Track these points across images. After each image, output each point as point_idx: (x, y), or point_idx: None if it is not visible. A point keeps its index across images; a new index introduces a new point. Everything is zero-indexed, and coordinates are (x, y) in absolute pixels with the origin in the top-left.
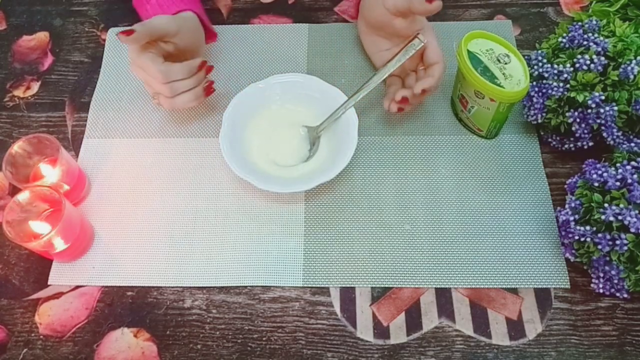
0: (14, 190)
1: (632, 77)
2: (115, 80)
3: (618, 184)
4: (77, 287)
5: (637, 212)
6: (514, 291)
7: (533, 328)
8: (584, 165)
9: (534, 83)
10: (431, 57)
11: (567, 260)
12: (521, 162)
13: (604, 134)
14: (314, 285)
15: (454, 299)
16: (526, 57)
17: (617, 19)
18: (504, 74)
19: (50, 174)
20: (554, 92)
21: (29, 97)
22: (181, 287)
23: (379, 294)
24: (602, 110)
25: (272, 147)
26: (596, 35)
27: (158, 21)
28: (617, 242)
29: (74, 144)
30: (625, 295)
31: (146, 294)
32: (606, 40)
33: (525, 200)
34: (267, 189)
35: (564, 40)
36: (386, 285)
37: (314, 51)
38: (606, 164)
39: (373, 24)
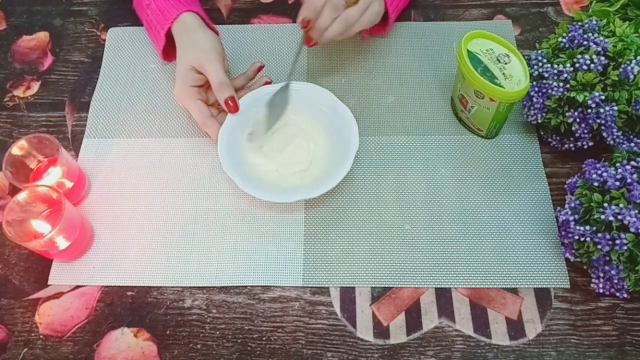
0: (14, 190)
1: (632, 77)
2: (115, 80)
3: (618, 183)
4: (77, 287)
5: (636, 211)
6: (514, 291)
7: (533, 328)
8: (583, 165)
9: (534, 83)
10: None
11: (567, 260)
12: (521, 162)
13: (604, 134)
14: (314, 285)
15: (454, 299)
16: (526, 57)
17: (617, 19)
18: (504, 74)
19: (50, 174)
20: (554, 92)
21: (29, 97)
22: (181, 287)
23: (379, 294)
24: (602, 110)
25: (274, 152)
26: (596, 35)
27: (224, 64)
28: (617, 241)
29: (74, 144)
30: (625, 295)
31: (146, 294)
32: (606, 40)
33: (525, 200)
34: (267, 199)
35: (564, 40)
36: (386, 285)
37: (314, 51)
38: (606, 164)
39: None
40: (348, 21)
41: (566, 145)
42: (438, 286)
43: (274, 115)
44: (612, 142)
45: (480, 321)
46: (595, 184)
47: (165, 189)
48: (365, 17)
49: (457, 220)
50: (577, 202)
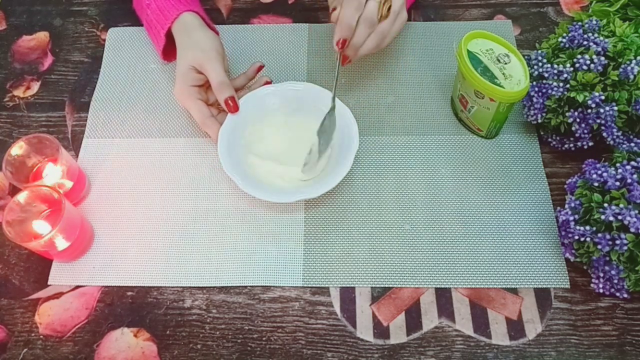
0: (14, 190)
1: (632, 77)
2: (115, 80)
3: (618, 183)
4: (77, 287)
5: (637, 212)
6: (514, 291)
7: (533, 328)
8: (583, 165)
9: (534, 83)
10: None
11: (567, 260)
12: (521, 162)
13: (604, 134)
14: (314, 285)
15: (454, 299)
16: (526, 57)
17: (617, 19)
18: (504, 74)
19: (50, 174)
20: (554, 92)
21: (29, 97)
22: (181, 287)
23: (379, 294)
24: (602, 110)
25: (276, 151)
26: (596, 35)
27: (224, 64)
28: (617, 242)
29: (74, 144)
30: (625, 295)
31: (146, 294)
32: (606, 40)
33: (525, 200)
34: (267, 199)
35: (564, 40)
36: (386, 285)
37: (314, 51)
38: (606, 164)
39: None
40: (383, 34)
41: (566, 145)
42: (438, 286)
43: (324, 141)
44: (612, 142)
45: (480, 321)
46: (595, 184)
47: (165, 189)
48: (395, 28)
49: (457, 220)
50: (577, 202)
